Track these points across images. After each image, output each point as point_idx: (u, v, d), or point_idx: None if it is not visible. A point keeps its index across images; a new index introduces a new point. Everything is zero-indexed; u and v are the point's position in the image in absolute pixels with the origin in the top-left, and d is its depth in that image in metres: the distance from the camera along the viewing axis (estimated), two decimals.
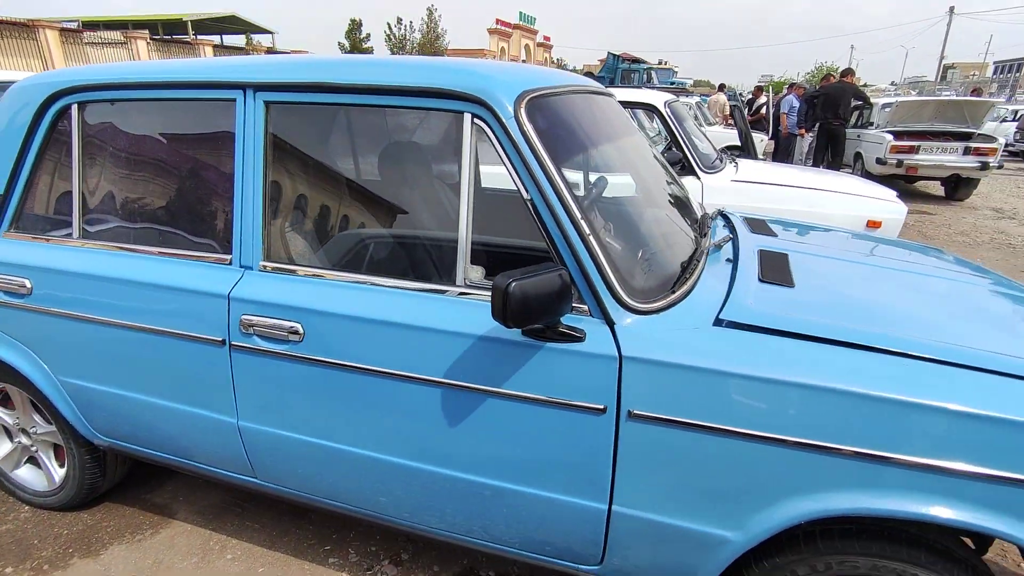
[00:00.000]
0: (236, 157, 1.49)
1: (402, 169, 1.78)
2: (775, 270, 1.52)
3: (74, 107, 1.66)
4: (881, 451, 1.09)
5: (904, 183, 8.91)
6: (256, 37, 28.30)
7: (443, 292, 1.36)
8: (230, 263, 1.52)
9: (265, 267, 1.49)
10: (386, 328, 1.36)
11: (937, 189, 9.03)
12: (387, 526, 1.61)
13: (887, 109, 8.86)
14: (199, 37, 23.13)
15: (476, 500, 1.42)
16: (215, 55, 19.60)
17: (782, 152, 9.16)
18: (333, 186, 1.70)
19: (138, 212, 1.70)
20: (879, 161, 8.16)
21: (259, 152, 1.47)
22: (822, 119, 8.13)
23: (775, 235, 1.94)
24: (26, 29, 14.75)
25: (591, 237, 1.24)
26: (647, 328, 1.23)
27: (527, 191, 1.27)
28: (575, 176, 1.95)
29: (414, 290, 1.38)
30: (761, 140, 9.26)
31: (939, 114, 8.68)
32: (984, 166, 7.93)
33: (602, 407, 1.23)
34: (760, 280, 1.44)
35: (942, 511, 1.09)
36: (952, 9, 41.00)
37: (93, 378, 1.71)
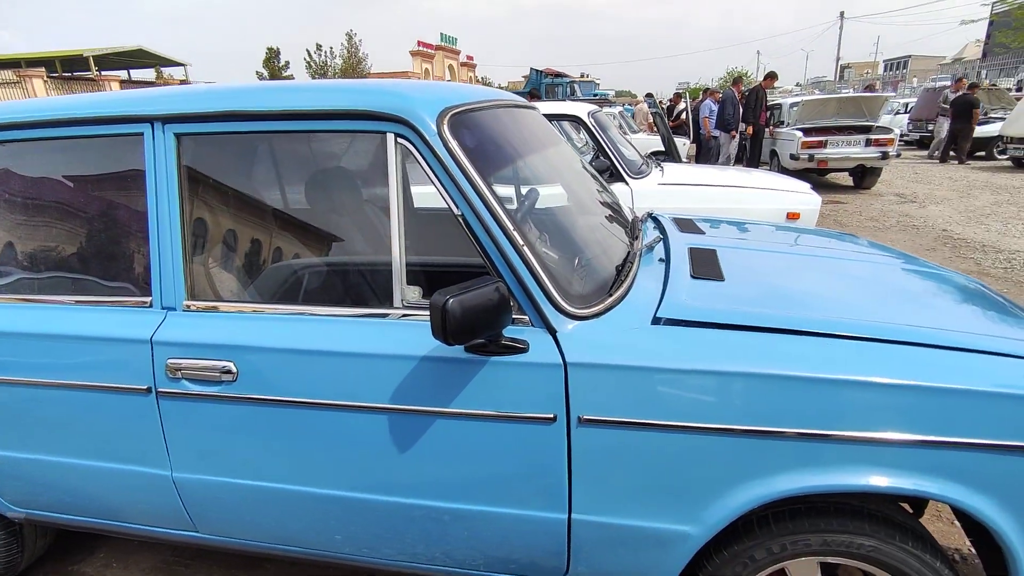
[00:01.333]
0: (148, 194, 1.41)
1: (331, 195, 1.74)
2: (705, 265, 1.58)
3: None
4: (819, 429, 1.14)
5: (816, 176, 9.52)
6: (167, 70, 27.20)
7: (381, 316, 1.33)
8: (150, 305, 1.43)
9: (190, 306, 1.41)
10: (325, 358, 1.31)
11: (846, 180, 9.69)
12: (346, 565, 1.54)
13: (795, 108, 9.46)
14: (103, 73, 21.97)
15: (435, 526, 1.38)
16: (122, 90, 18.70)
17: (704, 154, 9.60)
18: (260, 218, 1.63)
19: (43, 260, 1.57)
20: (793, 157, 8.68)
21: (173, 187, 1.40)
22: (750, 120, 8.57)
23: (703, 232, 2.01)
24: None
25: (525, 248, 1.25)
26: (588, 333, 1.24)
27: (457, 207, 1.27)
28: (506, 189, 1.97)
29: (351, 316, 1.34)
30: (683, 144, 9.66)
31: (841, 110, 9.34)
32: (884, 156, 8.58)
33: (552, 416, 1.22)
34: (692, 276, 1.49)
35: (879, 480, 1.15)
36: (842, 14, 44.45)
37: (4, 445, 1.56)
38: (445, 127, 1.29)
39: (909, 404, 1.12)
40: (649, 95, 13.79)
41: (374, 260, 1.54)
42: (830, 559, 1.26)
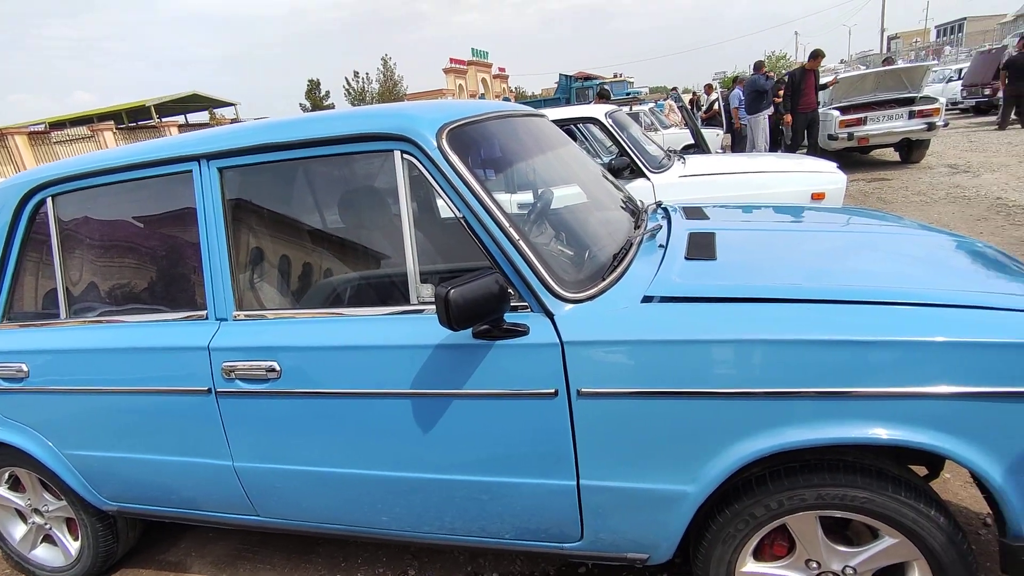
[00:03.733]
0: (199, 221, 1.64)
1: (356, 211, 1.93)
2: (701, 247, 1.68)
3: (48, 200, 1.82)
4: (793, 388, 1.23)
5: (859, 154, 9.22)
6: (219, 111, 28.86)
7: (400, 313, 1.50)
8: (206, 318, 1.66)
9: (238, 316, 1.63)
10: (353, 352, 1.49)
11: (893, 155, 9.32)
12: (392, 542, 1.71)
13: (830, 88, 9.20)
14: (164, 119, 23.60)
15: (468, 503, 1.53)
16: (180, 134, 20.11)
17: (739, 143, 9.46)
18: (295, 235, 1.84)
19: (118, 286, 1.83)
20: (831, 137, 8.45)
21: (219, 214, 1.63)
22: (787, 107, 8.28)
23: (708, 218, 2.10)
24: None
25: (521, 241, 1.39)
26: (582, 314, 1.37)
27: (459, 210, 1.43)
28: (522, 194, 2.12)
29: (374, 315, 1.52)
30: (717, 135, 9.57)
31: (879, 84, 9.02)
32: (931, 127, 8.21)
33: (553, 391, 1.36)
34: (686, 258, 1.60)
35: (878, 432, 1.22)
36: None
37: (96, 446, 1.83)
38: (444, 140, 1.46)
39: (898, 359, 1.19)
40: (673, 89, 13.67)
41: (396, 264, 1.72)
42: (827, 512, 1.34)
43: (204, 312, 1.66)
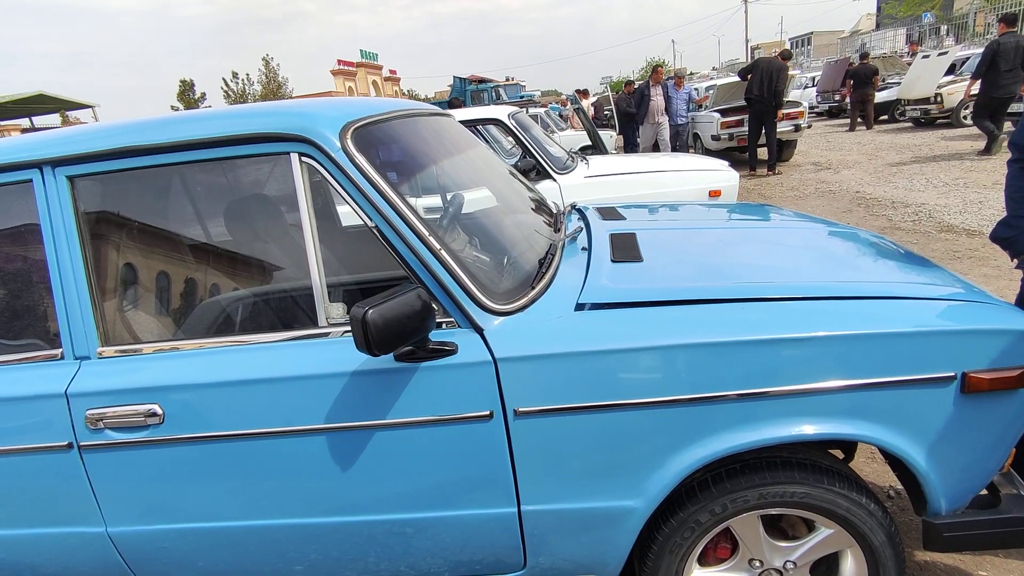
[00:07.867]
0: (45, 243, 1.35)
1: (249, 223, 1.70)
2: (625, 249, 1.64)
3: None
4: (743, 389, 1.20)
5: (738, 153, 9.93)
6: (73, 114, 25.72)
7: (307, 337, 1.31)
8: (62, 357, 1.37)
9: (104, 353, 1.36)
10: (254, 386, 1.29)
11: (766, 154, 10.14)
12: None
13: (711, 91, 9.84)
14: (3, 123, 20.63)
15: (396, 539, 1.37)
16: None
17: (630, 145, 9.86)
18: (176, 253, 1.58)
19: None
20: (714, 138, 9.04)
21: (72, 233, 1.35)
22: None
23: (624, 218, 2.08)
24: None
25: (443, 252, 1.26)
26: (514, 327, 1.27)
27: (371, 219, 1.27)
28: (431, 197, 1.98)
29: (276, 341, 1.32)
30: (611, 136, 9.91)
31: None
32: (797, 128, 9.04)
33: (488, 413, 1.24)
34: (612, 261, 1.54)
35: (807, 428, 1.23)
36: None
37: None
38: (349, 141, 1.29)
39: (825, 354, 1.20)
40: (578, 92, 14.10)
41: (299, 282, 1.52)
42: (768, 511, 1.33)
43: (58, 351, 1.37)
